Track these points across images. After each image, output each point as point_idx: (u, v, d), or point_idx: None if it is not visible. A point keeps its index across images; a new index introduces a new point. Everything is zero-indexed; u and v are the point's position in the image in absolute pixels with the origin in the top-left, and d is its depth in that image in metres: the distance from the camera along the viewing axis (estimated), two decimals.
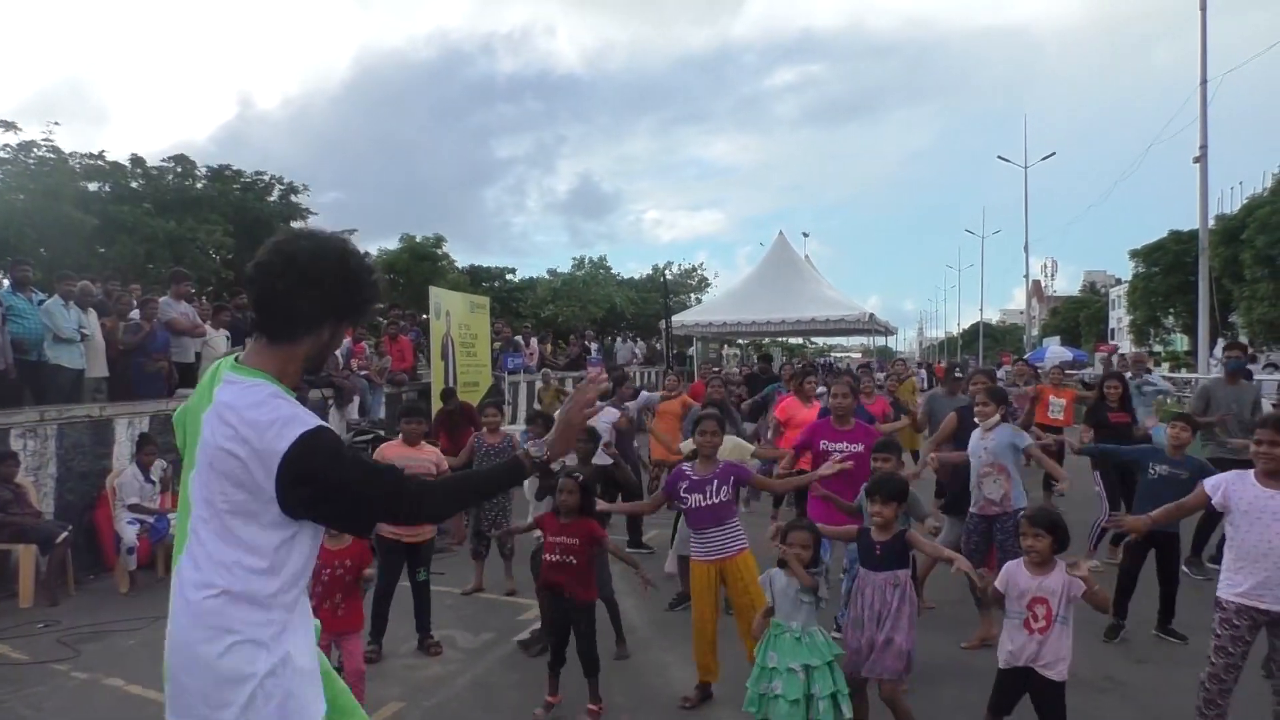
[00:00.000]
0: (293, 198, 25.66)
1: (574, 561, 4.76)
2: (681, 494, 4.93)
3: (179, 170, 24.66)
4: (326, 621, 4.41)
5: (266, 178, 25.88)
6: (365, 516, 2.31)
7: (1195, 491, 4.34)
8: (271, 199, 25.42)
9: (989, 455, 5.96)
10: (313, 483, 2.02)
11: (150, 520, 7.69)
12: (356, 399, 12.13)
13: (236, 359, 2.19)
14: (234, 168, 25.68)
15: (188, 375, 10.08)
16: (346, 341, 13.30)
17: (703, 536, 4.91)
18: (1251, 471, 4.05)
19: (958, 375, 8.78)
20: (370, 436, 10.51)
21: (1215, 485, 4.11)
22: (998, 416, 6.05)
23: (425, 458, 6.04)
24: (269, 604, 2.07)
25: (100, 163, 22.97)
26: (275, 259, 2.11)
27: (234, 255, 22.86)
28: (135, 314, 9.91)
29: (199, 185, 24.64)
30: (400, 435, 6.32)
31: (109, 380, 9.40)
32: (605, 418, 7.61)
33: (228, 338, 10.71)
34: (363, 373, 12.73)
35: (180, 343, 10.10)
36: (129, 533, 7.51)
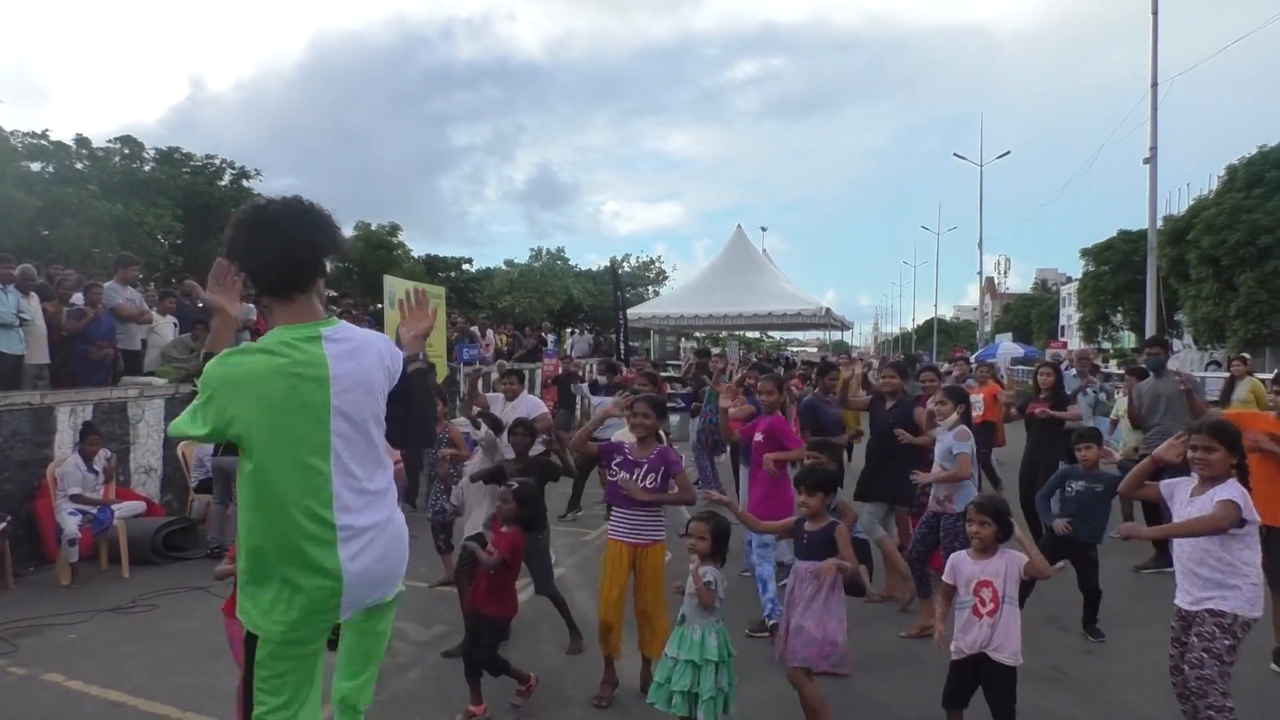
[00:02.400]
0: (244, 183, 25.18)
1: (492, 573, 4.64)
2: (612, 466, 4.93)
3: (126, 152, 24.10)
4: None
5: (217, 161, 25.38)
6: (420, 421, 2.99)
7: (1150, 486, 4.32)
8: (222, 183, 24.91)
9: (937, 459, 6.10)
10: (411, 385, 2.78)
11: (93, 511, 7.50)
12: None
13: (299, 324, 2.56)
14: (184, 151, 25.15)
15: (133, 363, 9.86)
16: None
17: (623, 515, 4.91)
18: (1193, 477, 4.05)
19: (919, 367, 9.16)
20: None
21: (1169, 489, 4.12)
22: (955, 415, 6.09)
23: None
24: None
25: (44, 142, 22.35)
26: (278, 225, 2.52)
27: (183, 240, 22.39)
28: (79, 299, 9.66)
29: (147, 168, 24.09)
30: None
31: (50, 367, 9.16)
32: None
33: (175, 325, 10.49)
34: None
35: (126, 329, 9.87)
36: (70, 524, 7.31)
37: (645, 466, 4.86)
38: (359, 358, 2.60)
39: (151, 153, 24.65)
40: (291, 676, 2.57)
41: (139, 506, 8.30)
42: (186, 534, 8.41)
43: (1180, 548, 3.98)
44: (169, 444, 9.36)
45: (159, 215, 21.16)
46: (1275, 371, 7.46)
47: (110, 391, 8.85)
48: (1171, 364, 9.28)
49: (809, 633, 4.15)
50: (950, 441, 5.99)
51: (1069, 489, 6.13)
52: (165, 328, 10.36)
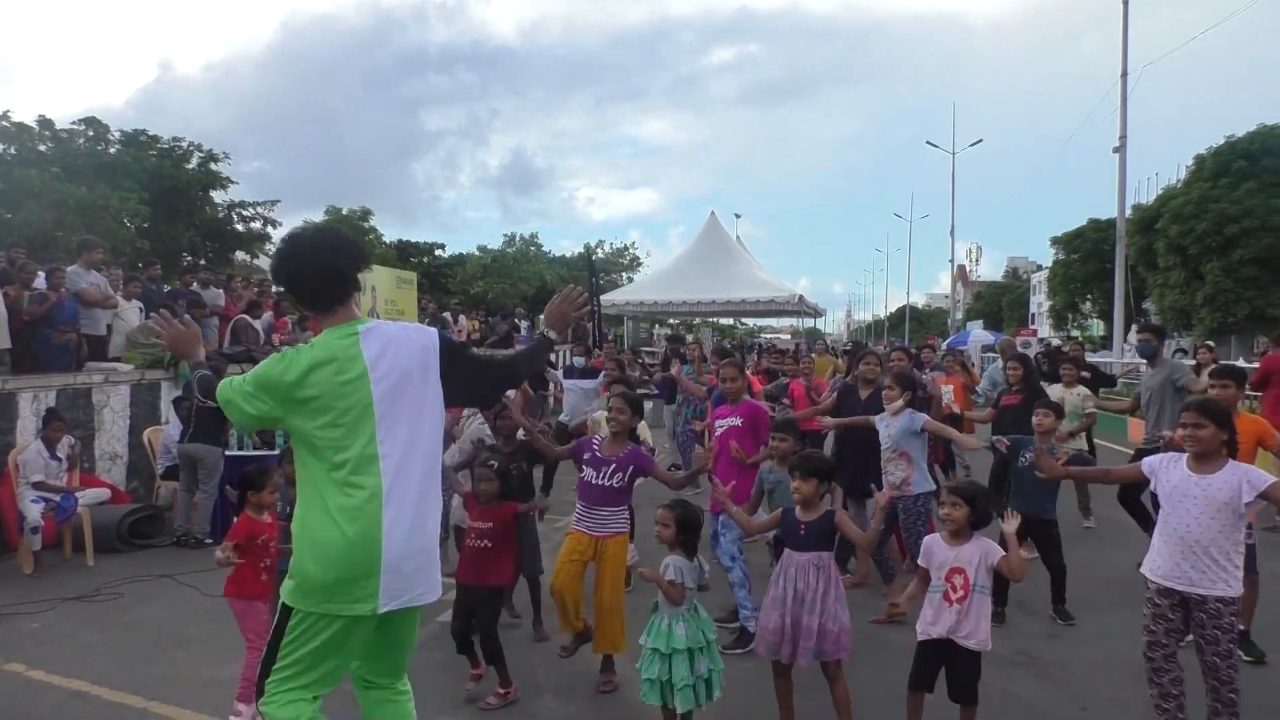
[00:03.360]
0: (213, 166, 24.79)
1: (488, 545, 4.78)
2: (582, 463, 4.91)
3: (91, 134, 23.64)
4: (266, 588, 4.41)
5: (185, 144, 24.97)
6: (490, 386, 3.45)
7: (1132, 464, 4.41)
8: (190, 166, 24.50)
9: (892, 441, 6.13)
10: (458, 360, 3.07)
11: (56, 499, 7.37)
12: None
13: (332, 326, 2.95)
14: (150, 133, 24.72)
15: (98, 348, 9.70)
16: (268, 315, 12.98)
17: (590, 511, 4.88)
18: (1185, 455, 4.04)
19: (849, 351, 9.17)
20: None
21: (1149, 464, 4.11)
22: (902, 402, 6.13)
23: None
24: None
25: (5, 123, 21.89)
26: (317, 249, 2.96)
27: (149, 224, 22.04)
28: (41, 283, 9.48)
29: (112, 150, 23.67)
30: None
31: (12, 352, 8.98)
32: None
33: (140, 309, 10.32)
34: (284, 347, 12.41)
35: (90, 314, 9.70)
36: (33, 511, 7.19)
37: (614, 465, 4.81)
38: (395, 345, 2.94)
39: (117, 135, 24.20)
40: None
41: (104, 494, 8.19)
42: (153, 521, 8.32)
43: (1188, 528, 3.88)
44: (134, 430, 9.24)
45: (124, 198, 20.78)
46: (1211, 366, 7.45)
47: (74, 377, 8.72)
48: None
49: (826, 628, 4.09)
50: (909, 422, 6.09)
51: (1024, 458, 6.11)
52: (131, 312, 10.19)
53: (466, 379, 3.12)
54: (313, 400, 2.80)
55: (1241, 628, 5.31)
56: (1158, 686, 3.99)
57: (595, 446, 4.94)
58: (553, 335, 3.48)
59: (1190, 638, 3.98)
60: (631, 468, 4.83)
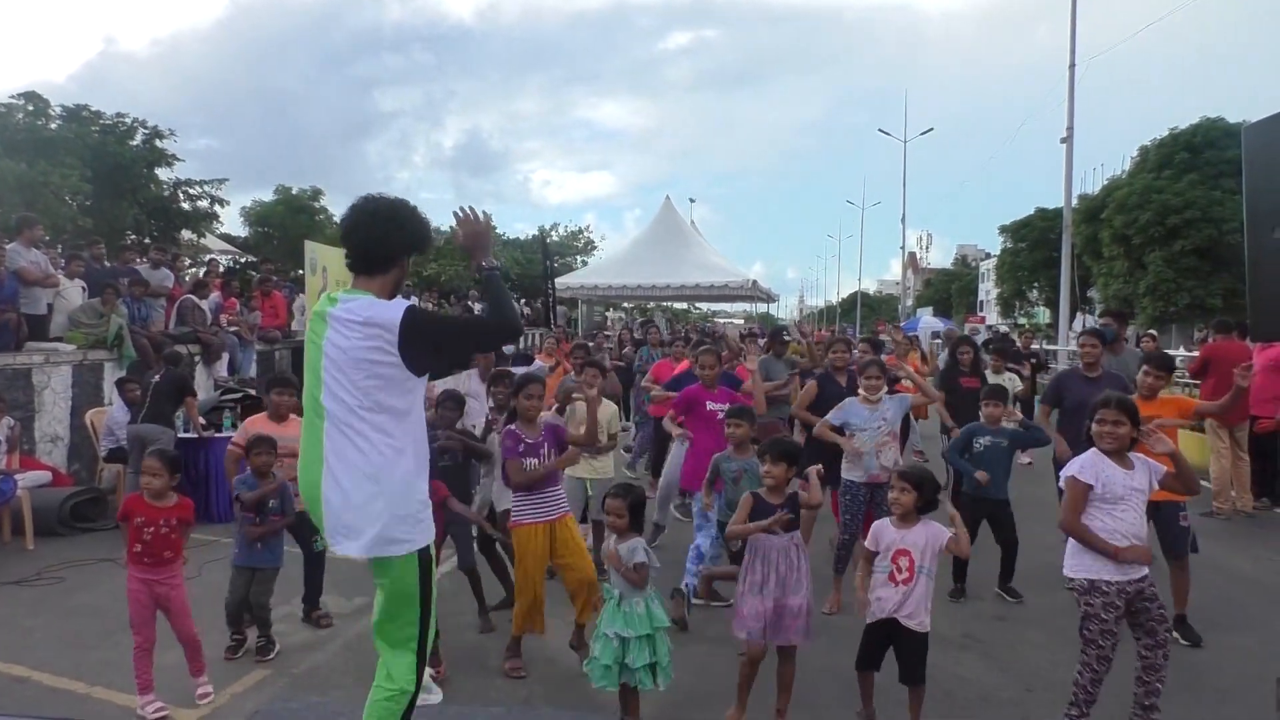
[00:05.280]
0: (158, 143, 24.16)
1: None
2: (521, 456, 4.87)
3: (30, 109, 22.92)
4: (150, 580, 4.35)
5: (129, 120, 24.31)
6: (470, 346, 3.85)
7: (1075, 486, 4.10)
8: (134, 143, 23.87)
9: (887, 425, 6.11)
10: (424, 333, 2.95)
11: None
12: (226, 356, 11.63)
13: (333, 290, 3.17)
14: (93, 108, 24.02)
15: (39, 328, 9.45)
16: (215, 295, 12.75)
17: (538, 497, 4.90)
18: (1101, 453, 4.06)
19: (785, 339, 9.67)
20: (240, 395, 10.09)
21: (1090, 474, 4.02)
22: (886, 388, 6.25)
23: (290, 436, 4.98)
24: None
25: None
26: (365, 213, 3.04)
27: (91, 202, 21.48)
28: None
29: (53, 125, 22.98)
30: (269, 407, 5.90)
31: None
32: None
33: (83, 289, 10.07)
34: (232, 329, 12.21)
35: (31, 293, 9.43)
36: None
37: (546, 445, 4.93)
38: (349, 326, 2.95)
39: (58, 110, 23.49)
40: None
41: (44, 476, 8.02)
42: (95, 505, 8.16)
43: (1129, 525, 3.95)
44: (76, 412, 9.05)
45: (65, 175, 20.20)
46: (1144, 353, 7.64)
47: (14, 357, 8.50)
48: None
49: (805, 607, 4.17)
50: (900, 404, 6.30)
51: (977, 444, 6.26)
52: (73, 292, 9.94)
53: (440, 347, 3.11)
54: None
55: (1177, 611, 5.47)
56: (1094, 673, 4.00)
57: (521, 436, 4.91)
58: (486, 263, 3.21)
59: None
60: (555, 439, 4.99)
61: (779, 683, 4.24)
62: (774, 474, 4.32)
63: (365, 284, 3.05)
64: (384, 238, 3.04)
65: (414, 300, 10.28)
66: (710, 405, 6.37)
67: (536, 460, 4.86)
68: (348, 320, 2.91)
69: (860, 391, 6.25)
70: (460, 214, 3.26)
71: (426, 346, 2.97)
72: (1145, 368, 5.82)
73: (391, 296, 3.07)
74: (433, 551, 3.11)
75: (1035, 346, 16.08)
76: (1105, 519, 3.99)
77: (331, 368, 2.93)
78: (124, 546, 4.43)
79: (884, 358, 9.85)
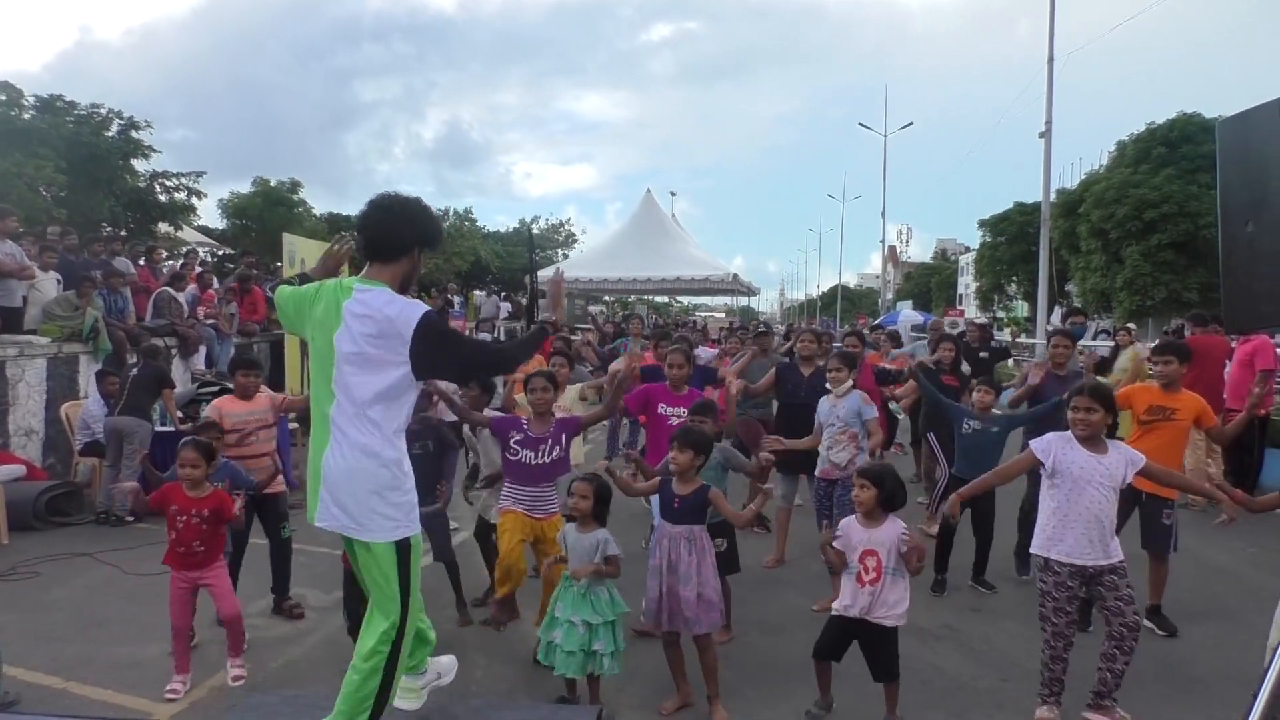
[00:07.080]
0: (134, 134, 23.90)
1: None
2: (511, 445, 4.87)
3: (3, 99, 22.65)
4: (188, 566, 4.52)
5: (104, 111, 24.04)
6: (475, 370, 3.92)
7: (1023, 455, 4.46)
8: (110, 134, 23.61)
9: (841, 422, 6.00)
10: (435, 345, 3.01)
11: None
12: (203, 349, 11.55)
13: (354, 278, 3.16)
14: (67, 99, 23.73)
15: (13, 320, 9.35)
16: (192, 288, 12.63)
17: (527, 491, 4.91)
18: (1073, 436, 4.17)
19: (762, 332, 9.19)
20: (217, 388, 10.01)
21: (1044, 450, 4.17)
22: (850, 382, 6.10)
23: (260, 409, 5.67)
24: None
25: None
26: (379, 208, 3.14)
27: (66, 193, 21.24)
28: None
29: (26, 116, 22.71)
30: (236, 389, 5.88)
31: None
32: None
33: (58, 281, 9.95)
34: (210, 322, 12.11)
35: (5, 285, 9.31)
36: None
37: (549, 441, 4.91)
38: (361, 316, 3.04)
39: (32, 100, 23.21)
40: None
41: (19, 470, 7.94)
42: (71, 499, 8.09)
43: (1100, 507, 4.04)
44: (51, 405, 8.96)
45: (39, 166, 19.97)
46: (1155, 342, 7.72)
47: None
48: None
49: (708, 599, 4.16)
50: (860, 405, 5.99)
51: (966, 427, 6.25)
52: (48, 284, 9.82)
53: (445, 361, 3.18)
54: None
55: (1152, 602, 5.53)
56: (1051, 649, 4.16)
57: (524, 426, 4.93)
58: (552, 318, 3.58)
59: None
60: (564, 435, 4.96)
61: (703, 671, 4.27)
62: (679, 461, 4.25)
63: (378, 272, 3.14)
64: (394, 230, 3.15)
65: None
66: (664, 409, 5.87)
67: (533, 454, 4.85)
68: (362, 315, 3.00)
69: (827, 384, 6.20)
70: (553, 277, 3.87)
71: (435, 357, 3.06)
72: (1154, 356, 5.83)
73: (404, 286, 3.17)
74: (416, 542, 3.12)
75: (1001, 338, 16.12)
76: (1060, 499, 4.13)
77: (341, 360, 3.02)
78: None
79: (887, 362, 9.91)
